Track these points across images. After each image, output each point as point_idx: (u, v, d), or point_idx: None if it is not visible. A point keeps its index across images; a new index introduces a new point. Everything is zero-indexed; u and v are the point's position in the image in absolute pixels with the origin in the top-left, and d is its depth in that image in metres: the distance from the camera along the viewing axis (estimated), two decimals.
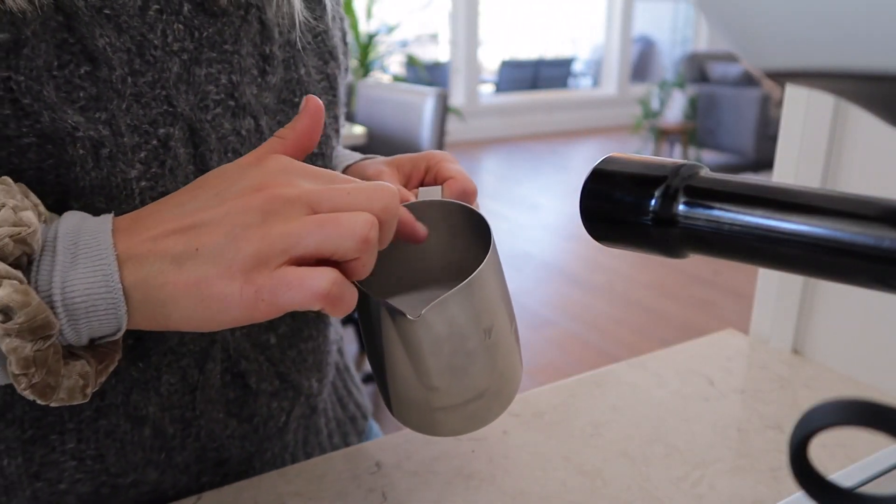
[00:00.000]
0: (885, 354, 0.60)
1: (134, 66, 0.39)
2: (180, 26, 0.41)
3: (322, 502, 0.46)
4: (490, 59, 7.70)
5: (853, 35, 0.15)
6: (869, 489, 0.42)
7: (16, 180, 0.34)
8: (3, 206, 0.30)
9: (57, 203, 0.37)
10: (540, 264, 3.41)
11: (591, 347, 2.59)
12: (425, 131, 1.96)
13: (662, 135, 5.63)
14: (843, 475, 0.43)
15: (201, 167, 0.43)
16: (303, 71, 0.49)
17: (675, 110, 5.58)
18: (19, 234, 0.29)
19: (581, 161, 5.94)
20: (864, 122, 0.59)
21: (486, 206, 4.42)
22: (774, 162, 0.66)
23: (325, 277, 0.31)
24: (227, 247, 0.31)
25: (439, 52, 6.84)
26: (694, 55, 5.74)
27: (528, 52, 8.55)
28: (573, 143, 6.77)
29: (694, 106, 5.46)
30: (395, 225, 0.34)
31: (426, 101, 1.96)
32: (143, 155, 0.40)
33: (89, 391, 0.32)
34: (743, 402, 0.58)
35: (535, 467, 0.50)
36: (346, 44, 0.59)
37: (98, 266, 0.31)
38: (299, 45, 0.49)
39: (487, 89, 7.52)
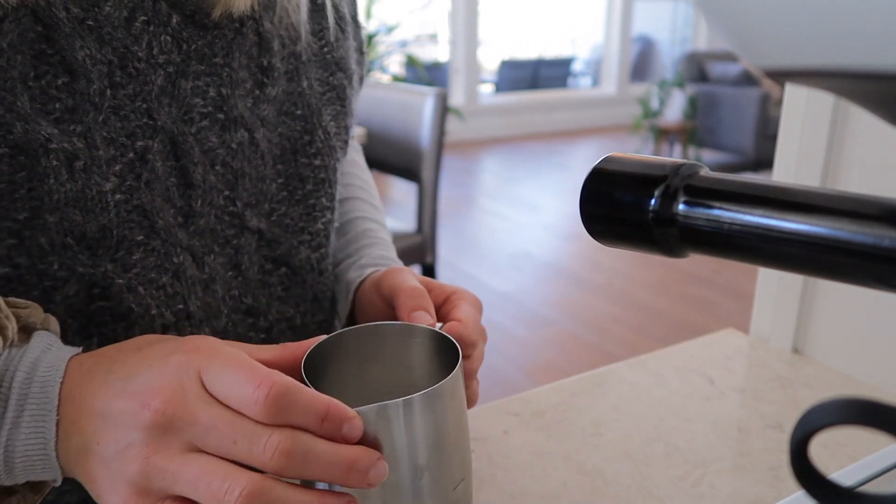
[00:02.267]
0: (885, 353, 0.60)
1: (114, 78, 0.38)
2: (168, 38, 0.40)
3: None
4: (490, 59, 7.70)
5: (853, 34, 0.15)
6: (869, 488, 0.42)
7: None
8: None
9: (31, 216, 0.36)
10: (540, 264, 3.41)
11: (591, 347, 2.59)
12: (425, 131, 1.96)
13: (662, 134, 5.63)
14: (843, 474, 0.43)
15: (183, 180, 0.42)
16: (305, 83, 0.48)
17: (674, 110, 5.58)
18: None
19: (581, 161, 5.94)
20: (864, 122, 0.59)
21: (486, 206, 4.42)
22: (774, 161, 0.66)
23: (240, 485, 0.29)
24: (114, 457, 0.30)
25: (439, 52, 6.84)
26: (693, 54, 5.74)
27: (527, 51, 8.55)
28: (573, 142, 6.76)
29: (693, 105, 5.46)
30: (320, 458, 0.30)
31: (426, 101, 1.96)
32: (118, 168, 0.39)
33: None
34: (743, 401, 0.58)
35: (536, 467, 0.50)
36: (362, 53, 0.58)
37: (40, 431, 0.31)
38: (304, 57, 0.48)
39: (487, 89, 7.52)
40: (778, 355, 0.67)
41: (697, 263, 3.39)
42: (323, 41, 0.50)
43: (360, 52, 0.58)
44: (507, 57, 7.90)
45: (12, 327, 0.33)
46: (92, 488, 0.32)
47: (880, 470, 0.44)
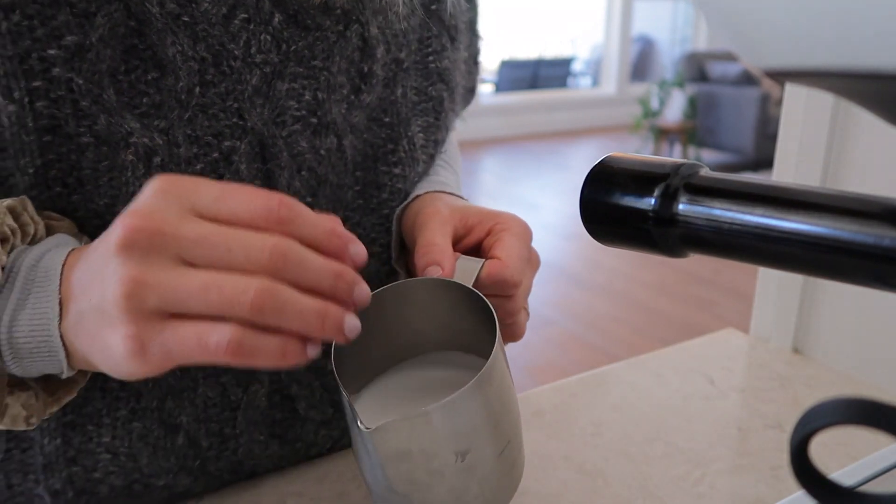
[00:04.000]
0: (885, 353, 0.60)
1: (206, 76, 0.38)
2: (267, 38, 0.39)
3: (322, 502, 0.46)
4: (489, 59, 7.70)
5: (853, 34, 0.15)
6: (869, 488, 0.42)
7: (74, 177, 0.36)
8: None
9: (110, 203, 0.37)
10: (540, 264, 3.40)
11: (592, 347, 2.59)
12: None
13: (662, 134, 5.63)
14: (843, 474, 0.43)
15: (267, 184, 0.41)
16: (399, 92, 0.47)
17: (674, 109, 5.58)
18: None
19: (581, 161, 5.94)
20: (864, 122, 0.59)
21: (485, 206, 4.42)
22: (774, 161, 0.66)
23: (226, 336, 0.28)
24: (101, 297, 0.29)
25: None
26: (693, 54, 5.74)
27: (527, 51, 8.55)
28: (573, 142, 6.76)
29: (693, 105, 5.46)
30: (312, 265, 0.29)
31: None
32: (199, 167, 0.39)
33: (34, 421, 0.33)
34: (743, 401, 0.58)
35: (536, 467, 0.50)
36: (476, 63, 0.56)
37: (43, 310, 0.31)
38: (406, 65, 0.47)
39: (487, 89, 7.52)
40: (778, 355, 0.67)
41: (698, 263, 3.39)
42: (429, 49, 0.48)
43: (475, 62, 0.57)
44: (506, 57, 7.89)
45: (36, 228, 0.34)
46: (94, 348, 0.30)
47: (880, 470, 0.44)
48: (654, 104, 5.70)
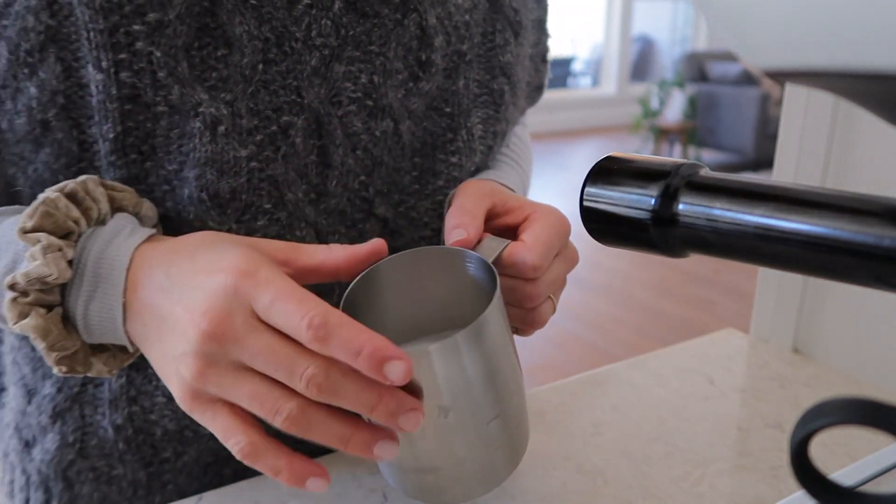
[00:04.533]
0: (885, 353, 0.60)
1: (269, 55, 0.41)
2: (328, 22, 0.42)
3: (322, 502, 0.46)
4: None
5: (853, 35, 0.15)
6: (869, 488, 0.42)
7: (149, 144, 0.40)
8: (38, 245, 0.36)
9: (178, 169, 0.41)
10: None
11: (591, 347, 2.59)
12: None
13: (662, 134, 5.63)
14: (843, 474, 0.43)
15: (322, 160, 0.44)
16: (461, 83, 0.48)
17: (674, 109, 5.58)
18: (44, 277, 0.35)
19: (581, 160, 5.94)
20: (864, 122, 0.59)
21: None
22: (774, 161, 0.66)
23: (241, 442, 0.33)
24: (172, 358, 0.34)
25: None
26: (693, 54, 5.74)
27: None
28: (573, 142, 6.76)
29: (693, 105, 5.46)
30: (345, 395, 0.32)
31: None
32: (258, 138, 0.41)
33: (114, 372, 0.40)
34: (743, 401, 0.59)
35: (536, 467, 0.50)
36: (544, 61, 0.58)
37: (109, 306, 0.37)
38: (468, 57, 0.48)
39: None
40: (778, 355, 0.67)
41: (697, 263, 3.39)
42: (492, 43, 0.50)
43: (542, 60, 0.58)
44: None
45: (99, 209, 0.38)
46: (155, 366, 0.36)
47: (880, 470, 0.44)
48: (654, 104, 5.70)
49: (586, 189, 0.28)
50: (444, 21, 0.46)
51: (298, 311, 0.31)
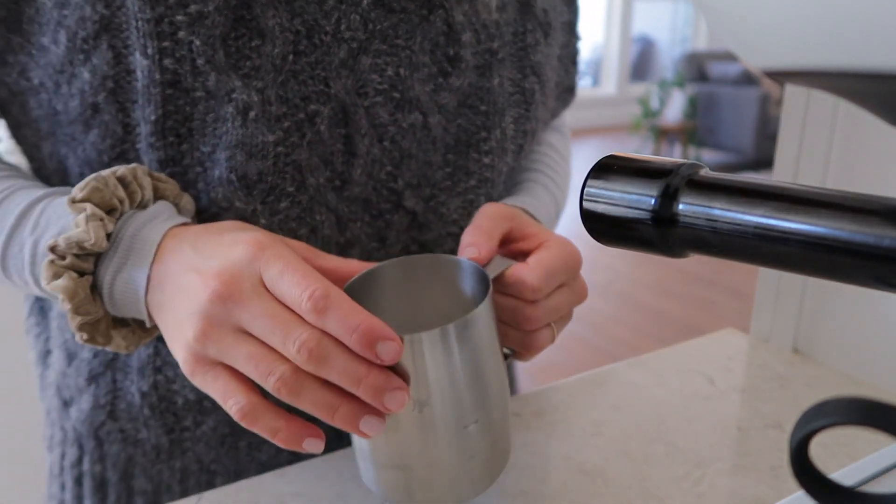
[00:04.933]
0: (885, 353, 0.60)
1: (299, 46, 0.42)
2: (356, 17, 0.44)
3: (322, 502, 0.46)
4: None
5: (853, 35, 0.15)
6: (869, 488, 0.42)
7: (186, 127, 0.42)
8: (83, 213, 0.38)
9: (211, 151, 0.43)
10: None
11: (592, 347, 2.59)
12: None
13: (662, 134, 5.63)
14: (843, 474, 0.43)
15: (349, 148, 0.46)
16: (496, 81, 0.49)
17: (674, 109, 5.58)
18: (82, 242, 0.38)
19: (581, 161, 5.93)
20: (864, 122, 0.59)
21: None
22: (774, 161, 0.66)
23: (239, 402, 0.35)
24: (181, 321, 0.36)
25: None
26: (693, 54, 5.74)
27: None
28: (573, 142, 6.75)
29: (693, 105, 5.46)
30: (335, 366, 0.33)
31: None
32: (286, 125, 0.43)
33: (132, 349, 0.42)
34: (743, 401, 0.59)
35: (536, 467, 0.50)
36: (574, 63, 0.59)
37: (135, 277, 0.39)
38: (501, 55, 0.49)
39: None
40: (778, 355, 0.67)
41: (697, 263, 3.39)
42: (523, 43, 0.51)
43: (573, 62, 0.59)
44: None
45: (144, 194, 0.41)
46: (166, 336, 0.38)
47: (880, 470, 0.44)
48: (654, 104, 5.70)
49: (586, 189, 0.28)
50: (472, 18, 0.47)
51: (302, 283, 0.33)
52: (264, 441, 0.52)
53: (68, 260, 0.38)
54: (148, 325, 0.41)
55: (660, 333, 2.69)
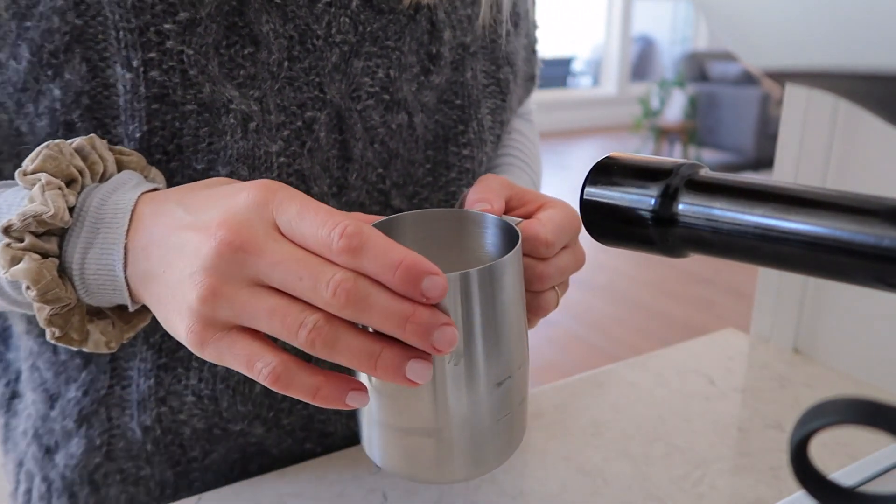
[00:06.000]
0: (885, 353, 0.60)
1: (293, 52, 0.42)
2: (346, 20, 0.43)
3: (322, 502, 0.46)
4: None
5: (853, 35, 0.15)
6: (869, 488, 0.42)
7: (175, 143, 0.40)
8: (37, 184, 0.34)
9: (207, 168, 0.41)
10: None
11: (592, 347, 2.59)
12: None
13: (662, 134, 5.63)
14: (843, 474, 0.43)
15: (343, 153, 0.45)
16: (469, 74, 0.49)
17: (674, 109, 5.58)
18: (40, 215, 0.33)
19: (581, 160, 5.94)
20: (864, 122, 0.59)
21: None
22: (774, 161, 0.66)
23: (271, 363, 0.30)
24: (178, 284, 0.31)
25: None
26: (694, 54, 5.74)
27: None
28: (573, 142, 6.76)
29: (694, 105, 5.46)
30: (376, 306, 0.29)
31: None
32: (286, 133, 0.42)
33: (114, 345, 0.38)
34: (743, 401, 0.58)
35: (536, 467, 0.50)
36: (533, 52, 0.59)
37: (108, 253, 0.34)
38: (473, 48, 0.49)
39: None
40: (778, 355, 0.67)
41: (697, 263, 3.39)
42: (495, 34, 0.51)
43: (532, 50, 0.59)
44: None
45: (105, 166, 0.37)
46: (159, 311, 0.33)
47: (880, 470, 0.44)
48: (655, 104, 5.69)
49: (586, 189, 0.28)
50: (451, 15, 0.47)
51: (329, 221, 0.29)
52: (274, 463, 0.50)
53: (27, 241, 0.33)
54: (131, 307, 0.36)
55: (660, 333, 2.69)
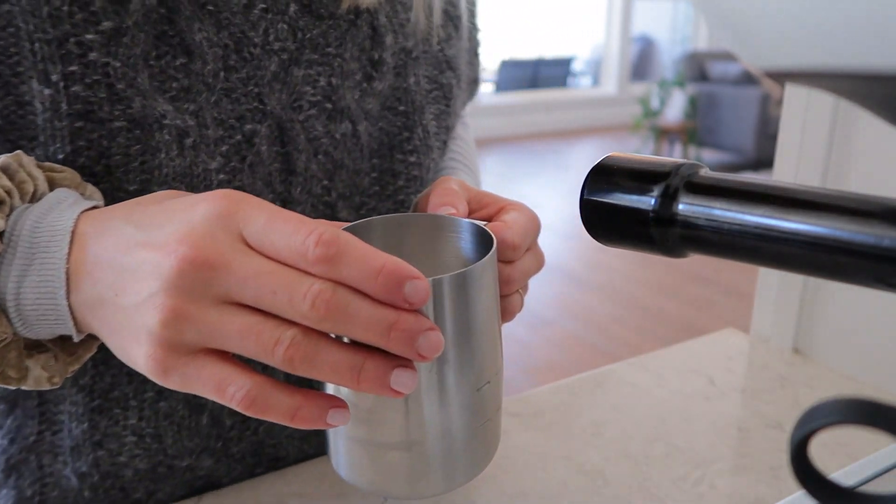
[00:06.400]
0: (885, 353, 0.60)
1: (229, 61, 0.39)
2: (284, 26, 0.41)
3: (322, 502, 0.46)
4: (489, 59, 7.70)
5: (853, 35, 0.15)
6: (869, 488, 0.42)
7: (103, 164, 0.37)
8: None
9: (140, 189, 0.38)
10: None
11: (591, 347, 2.59)
12: None
13: (662, 134, 5.63)
14: (843, 474, 0.43)
15: (286, 166, 0.43)
16: (412, 80, 0.48)
17: (674, 109, 5.58)
18: None
19: (581, 160, 5.94)
20: (864, 122, 0.59)
21: None
22: (774, 161, 0.66)
23: (244, 386, 0.28)
24: (135, 308, 0.28)
25: None
26: (694, 54, 5.74)
27: (527, 51, 8.55)
28: (573, 142, 6.76)
29: (694, 105, 5.46)
30: (359, 316, 0.27)
31: None
32: (225, 148, 0.40)
33: (57, 380, 0.34)
34: (743, 401, 0.58)
35: (536, 467, 0.50)
36: (476, 55, 0.58)
37: (48, 279, 0.31)
38: (414, 53, 0.48)
39: (487, 89, 7.52)
40: (778, 355, 0.67)
41: (697, 263, 3.39)
42: (436, 39, 0.50)
43: (475, 53, 0.58)
44: (507, 57, 7.89)
45: (36, 185, 0.34)
46: (112, 340, 0.30)
47: (880, 470, 0.44)
48: (655, 104, 5.69)
49: (586, 189, 0.28)
50: (392, 19, 0.46)
51: (303, 228, 0.27)
52: (230, 493, 0.48)
53: None
54: (76, 337, 0.32)
55: (660, 333, 2.69)
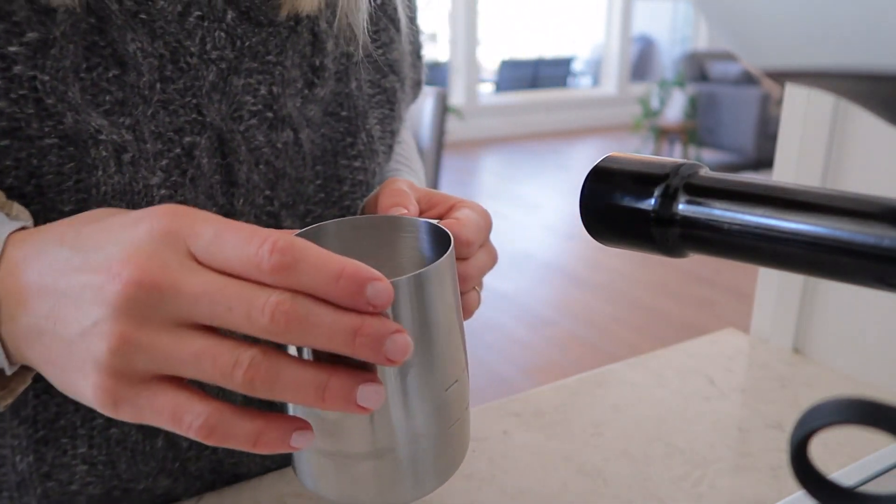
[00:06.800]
0: (885, 353, 0.60)
1: (165, 72, 0.38)
2: (222, 34, 0.40)
3: (322, 502, 0.46)
4: (489, 59, 7.70)
5: (853, 35, 0.15)
6: (869, 488, 0.42)
7: (34, 184, 0.35)
8: None
9: (76, 209, 0.36)
10: (540, 264, 3.41)
11: (592, 347, 2.59)
12: (425, 131, 1.96)
13: (662, 134, 5.63)
14: (843, 474, 0.43)
15: (227, 178, 0.42)
16: (354, 85, 0.47)
17: (674, 109, 5.58)
18: None
19: (581, 160, 5.94)
20: (864, 122, 0.59)
21: (486, 206, 4.41)
22: (774, 161, 0.66)
23: (202, 414, 0.26)
24: (78, 337, 0.27)
25: (438, 52, 6.84)
26: (694, 54, 5.74)
27: (527, 51, 8.55)
28: (573, 142, 6.76)
29: (694, 105, 5.46)
30: (321, 324, 0.26)
31: (425, 100, 1.96)
32: (164, 163, 0.39)
33: None
34: (743, 401, 0.59)
35: (536, 467, 0.50)
36: (419, 57, 0.57)
37: None
38: (356, 58, 0.47)
39: (487, 89, 7.52)
40: (778, 355, 0.67)
41: (698, 263, 3.39)
42: (377, 42, 0.49)
43: (418, 56, 0.57)
44: (507, 56, 7.90)
45: None
46: (52, 373, 0.28)
47: (880, 470, 0.44)
48: (655, 104, 5.70)
49: (586, 189, 0.28)
50: (333, 25, 0.45)
51: (255, 238, 0.26)
52: None
53: None
54: (8, 370, 0.30)
55: (660, 333, 2.69)
